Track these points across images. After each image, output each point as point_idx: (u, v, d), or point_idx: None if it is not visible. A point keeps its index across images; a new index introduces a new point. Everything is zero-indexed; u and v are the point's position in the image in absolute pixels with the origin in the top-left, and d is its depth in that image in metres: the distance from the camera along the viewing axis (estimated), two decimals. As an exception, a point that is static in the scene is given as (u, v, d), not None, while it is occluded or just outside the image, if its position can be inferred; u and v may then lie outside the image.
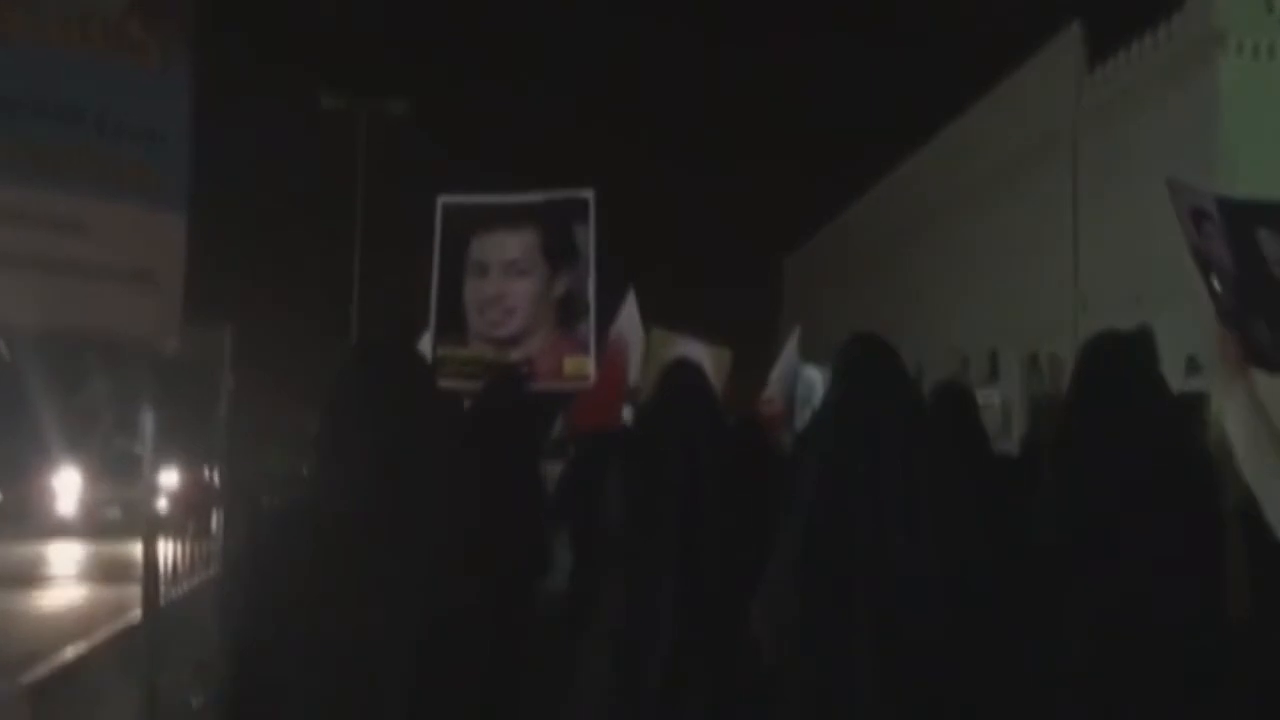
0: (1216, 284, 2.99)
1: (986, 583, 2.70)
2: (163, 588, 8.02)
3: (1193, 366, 15.85)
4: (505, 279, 3.61)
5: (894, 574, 2.67)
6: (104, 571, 13.47)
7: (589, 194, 3.57)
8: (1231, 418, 2.77)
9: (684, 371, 3.27)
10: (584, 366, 3.55)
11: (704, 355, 4.68)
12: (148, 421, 3.65)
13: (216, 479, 11.32)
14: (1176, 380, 3.56)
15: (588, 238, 3.57)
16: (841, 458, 2.81)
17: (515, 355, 3.56)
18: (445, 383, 3.99)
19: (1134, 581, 2.68)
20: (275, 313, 28.67)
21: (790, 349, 5.57)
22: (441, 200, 3.70)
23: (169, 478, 9.84)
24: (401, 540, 2.35)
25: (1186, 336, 16.77)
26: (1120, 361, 2.94)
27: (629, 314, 4.57)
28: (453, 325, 3.61)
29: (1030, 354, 24.54)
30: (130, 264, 3.03)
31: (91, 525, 20.18)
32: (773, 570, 2.82)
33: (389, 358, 2.54)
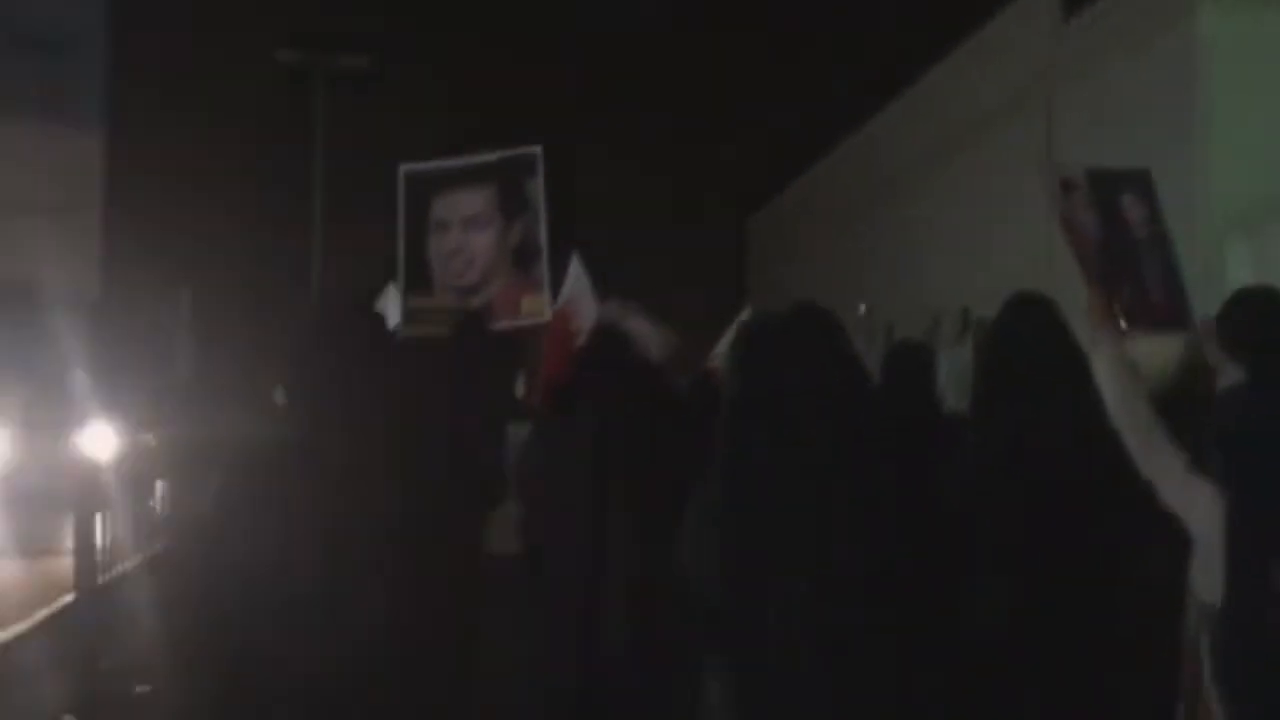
0: (1083, 250, 3.22)
1: (888, 564, 2.90)
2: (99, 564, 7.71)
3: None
4: (465, 233, 4.01)
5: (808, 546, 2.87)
6: (30, 545, 12.27)
7: (537, 149, 3.92)
8: (1102, 375, 3.00)
9: (598, 336, 3.56)
10: (539, 304, 3.87)
11: (648, 333, 4.79)
12: (78, 380, 3.81)
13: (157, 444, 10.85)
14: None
15: (538, 189, 3.90)
16: (746, 429, 3.06)
17: (476, 301, 3.93)
18: (416, 330, 4.26)
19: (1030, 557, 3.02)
20: (234, 275, 28.20)
21: (742, 318, 5.68)
22: (403, 168, 4.07)
23: (102, 443, 9.29)
24: (369, 480, 2.56)
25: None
26: (1030, 324, 3.10)
27: (575, 275, 4.76)
28: (419, 278, 4.02)
29: (1003, 312, 24.52)
30: (38, 195, 2.73)
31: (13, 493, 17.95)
32: (689, 519, 3.06)
33: (350, 313, 2.85)
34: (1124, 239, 3.29)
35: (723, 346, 5.68)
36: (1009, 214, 26.15)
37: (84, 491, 7.41)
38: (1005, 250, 25.73)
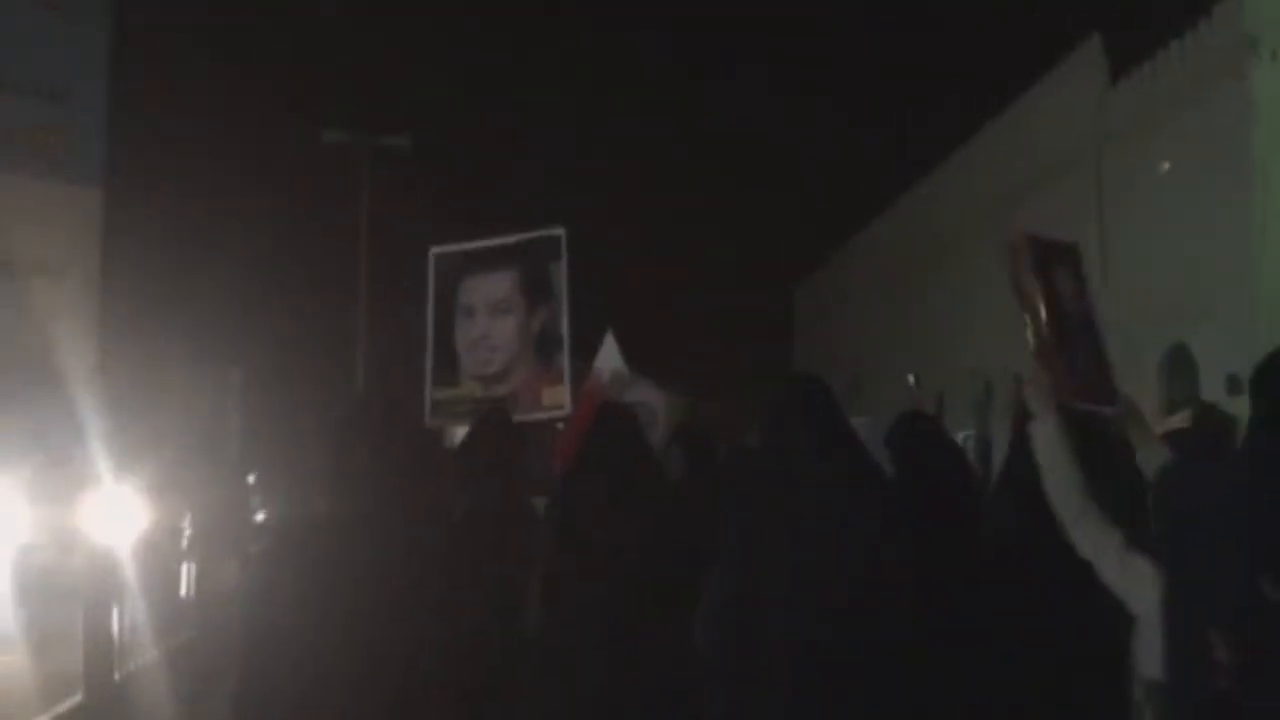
0: (1035, 316, 3.17)
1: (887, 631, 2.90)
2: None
3: (1234, 385, 15.29)
4: (490, 319, 4.01)
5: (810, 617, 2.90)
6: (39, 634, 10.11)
7: (560, 231, 3.90)
8: (1040, 447, 2.99)
9: (605, 417, 3.63)
10: (560, 396, 3.91)
11: (657, 399, 5.08)
12: (92, 449, 3.77)
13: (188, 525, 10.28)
14: (1218, 399, 3.50)
15: (561, 273, 3.90)
16: (759, 505, 3.11)
17: (500, 390, 3.94)
18: (439, 421, 4.37)
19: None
20: (280, 354, 28.43)
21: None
22: (432, 251, 4.09)
23: (116, 521, 8.08)
24: (408, 564, 2.68)
25: (1225, 354, 16.36)
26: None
27: (608, 350, 4.87)
28: (446, 366, 4.03)
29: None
30: (36, 254, 2.62)
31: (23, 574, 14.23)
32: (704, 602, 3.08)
33: (388, 405, 3.00)
34: (1059, 312, 3.25)
35: None
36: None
37: (96, 576, 6.62)
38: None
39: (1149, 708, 2.79)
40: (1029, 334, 3.21)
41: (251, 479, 17.77)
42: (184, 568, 9.57)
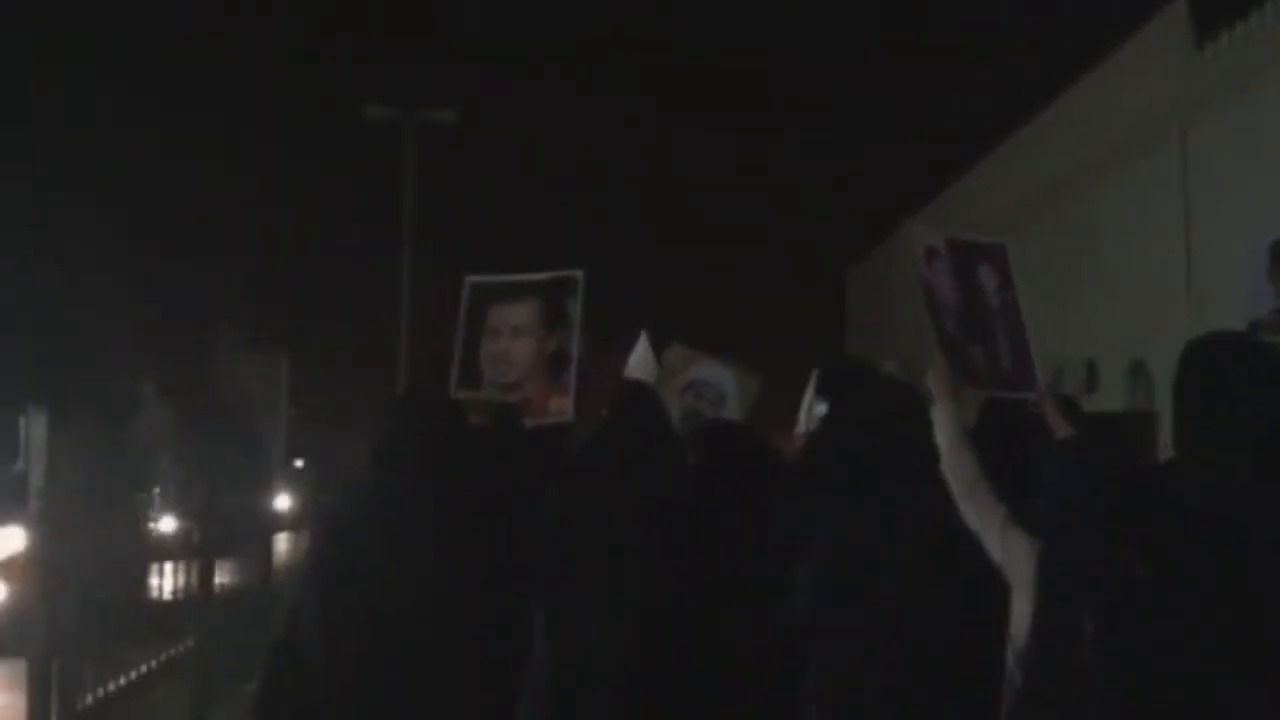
0: (940, 315, 3.57)
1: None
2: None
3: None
4: (511, 340, 4.76)
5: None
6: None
7: (579, 273, 4.64)
8: (939, 432, 3.39)
9: (629, 396, 4.28)
10: (565, 404, 4.53)
11: (723, 376, 5.36)
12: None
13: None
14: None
15: (576, 307, 4.59)
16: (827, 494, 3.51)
17: (514, 397, 4.58)
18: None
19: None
20: (326, 343, 28.53)
21: (810, 388, 5.57)
22: (469, 280, 4.82)
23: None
24: (454, 553, 3.11)
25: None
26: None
27: (640, 354, 5.41)
28: (470, 375, 4.72)
29: (1135, 361, 23.51)
30: None
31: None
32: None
33: (432, 400, 3.70)
34: (979, 306, 3.65)
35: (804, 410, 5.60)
36: (1141, 254, 25.25)
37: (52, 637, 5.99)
38: (1137, 290, 25.08)
39: (1019, 672, 3.07)
40: (932, 326, 3.60)
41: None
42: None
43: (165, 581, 10.79)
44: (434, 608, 3.10)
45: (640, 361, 5.44)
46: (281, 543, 16.83)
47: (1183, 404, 2.79)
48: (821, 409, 5.43)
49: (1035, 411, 3.56)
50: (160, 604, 10.72)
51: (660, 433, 4.18)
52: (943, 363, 3.52)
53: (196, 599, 9.38)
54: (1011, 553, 3.14)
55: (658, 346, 5.59)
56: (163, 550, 11.36)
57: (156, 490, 17.41)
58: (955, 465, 3.33)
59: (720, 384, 5.42)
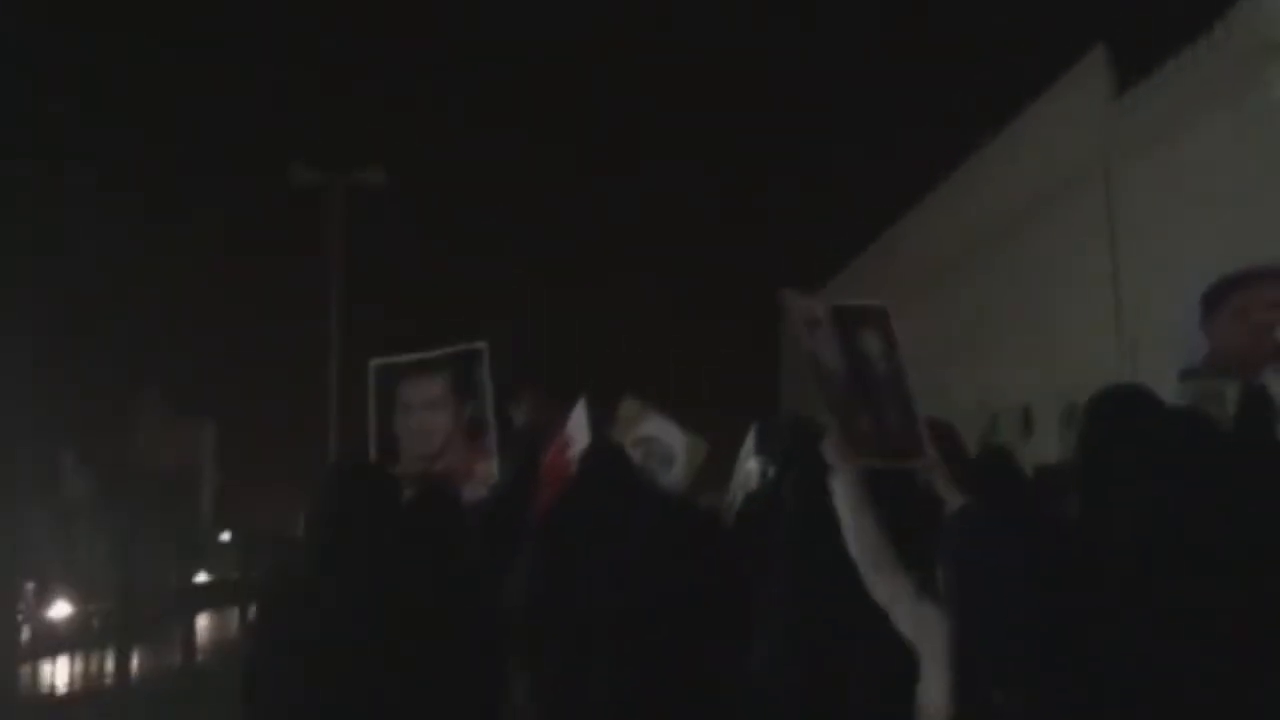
0: (828, 385, 3.55)
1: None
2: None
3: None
4: (426, 413, 4.90)
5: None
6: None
7: (483, 345, 4.87)
8: (839, 499, 3.37)
9: (597, 457, 4.37)
10: (489, 467, 4.70)
11: (674, 437, 5.52)
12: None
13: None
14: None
15: (484, 376, 4.86)
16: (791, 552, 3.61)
17: (439, 467, 4.71)
18: None
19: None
20: (254, 409, 28.09)
21: (746, 445, 5.52)
22: (373, 364, 4.98)
23: None
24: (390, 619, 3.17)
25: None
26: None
27: (578, 417, 5.48)
28: (389, 449, 4.85)
29: (1069, 405, 23.77)
30: None
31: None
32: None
33: (366, 475, 3.66)
34: (864, 372, 3.65)
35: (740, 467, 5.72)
36: (1072, 296, 25.57)
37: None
38: (1069, 335, 24.89)
39: None
40: (821, 395, 3.56)
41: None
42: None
43: (59, 672, 10.31)
44: (373, 672, 3.16)
45: (578, 426, 5.54)
46: (203, 620, 16.35)
47: (1083, 459, 2.82)
48: (753, 465, 5.38)
49: (925, 480, 3.53)
50: (52, 698, 10.20)
51: (631, 490, 4.28)
52: (836, 431, 3.50)
53: (113, 687, 9.01)
54: (923, 626, 3.14)
55: (605, 401, 5.73)
56: (54, 640, 10.92)
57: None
58: (859, 533, 3.32)
59: (671, 444, 5.58)
